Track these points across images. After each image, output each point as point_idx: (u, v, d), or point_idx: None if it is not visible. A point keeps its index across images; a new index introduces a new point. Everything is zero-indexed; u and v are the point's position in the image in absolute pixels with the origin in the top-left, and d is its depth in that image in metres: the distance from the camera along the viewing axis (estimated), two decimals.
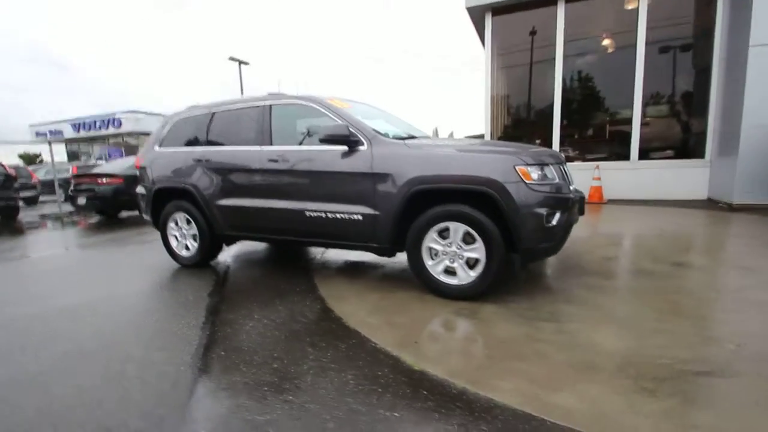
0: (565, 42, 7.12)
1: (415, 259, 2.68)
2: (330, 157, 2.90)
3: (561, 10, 7.04)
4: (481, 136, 8.28)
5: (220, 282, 3.29)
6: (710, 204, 6.18)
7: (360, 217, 2.81)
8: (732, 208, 5.57)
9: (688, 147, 6.91)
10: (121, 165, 7.50)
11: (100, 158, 19.06)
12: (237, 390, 1.69)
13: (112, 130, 24.20)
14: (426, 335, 2.17)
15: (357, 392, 1.64)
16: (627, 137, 7.01)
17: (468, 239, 2.54)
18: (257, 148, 3.22)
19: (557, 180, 2.53)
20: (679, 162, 6.79)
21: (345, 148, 2.84)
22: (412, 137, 3.08)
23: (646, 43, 6.62)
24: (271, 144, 3.20)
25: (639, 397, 1.52)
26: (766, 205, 5.35)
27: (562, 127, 7.39)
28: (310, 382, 1.73)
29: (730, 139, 5.76)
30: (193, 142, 3.64)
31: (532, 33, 7.63)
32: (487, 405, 1.52)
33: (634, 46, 6.70)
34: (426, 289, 2.73)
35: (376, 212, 2.75)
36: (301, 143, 3.14)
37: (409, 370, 1.80)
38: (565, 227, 2.57)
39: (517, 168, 2.39)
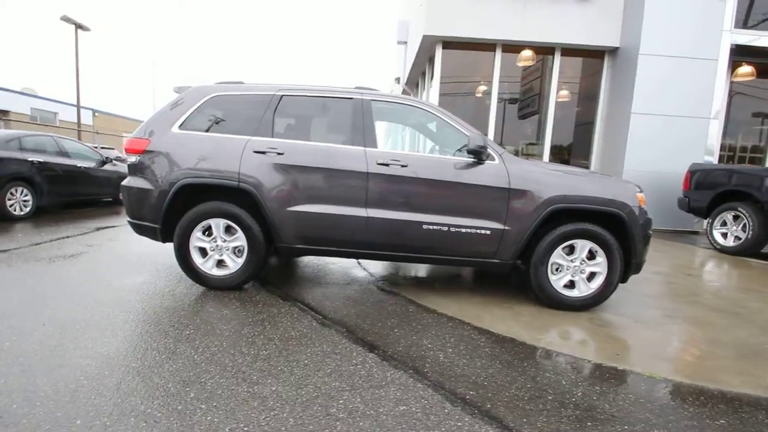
0: (500, 81, 8.33)
1: (542, 274, 2.79)
2: (458, 167, 2.76)
3: (498, 55, 8.24)
4: None
5: (304, 306, 2.66)
6: None
7: (488, 232, 2.76)
8: None
9: None
10: None
11: None
12: None
13: None
14: (612, 347, 2.29)
15: (667, 406, 1.68)
16: None
17: (589, 255, 2.80)
18: (359, 148, 2.78)
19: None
20: None
21: (472, 159, 2.76)
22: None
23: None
24: (375, 144, 2.81)
25: None
26: None
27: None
28: (614, 406, 1.68)
29: None
30: (244, 129, 2.85)
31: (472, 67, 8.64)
32: (747, 399, 1.79)
33: (548, 96, 8.36)
34: (540, 301, 2.87)
35: (506, 227, 2.75)
36: (412, 148, 2.86)
37: (656, 381, 1.92)
38: None
39: (636, 194, 2.81)
